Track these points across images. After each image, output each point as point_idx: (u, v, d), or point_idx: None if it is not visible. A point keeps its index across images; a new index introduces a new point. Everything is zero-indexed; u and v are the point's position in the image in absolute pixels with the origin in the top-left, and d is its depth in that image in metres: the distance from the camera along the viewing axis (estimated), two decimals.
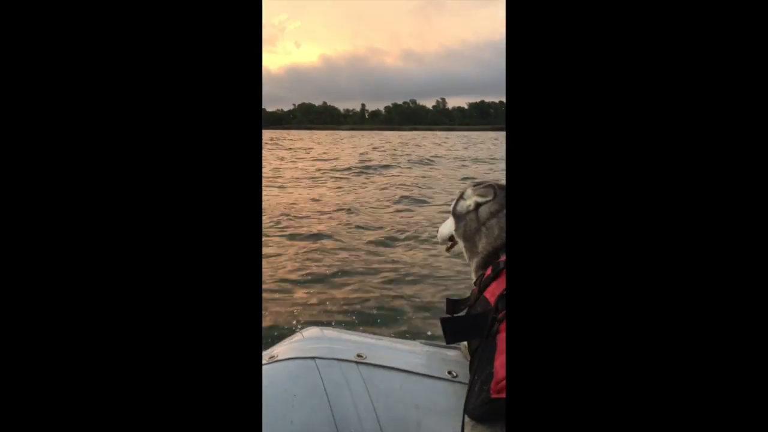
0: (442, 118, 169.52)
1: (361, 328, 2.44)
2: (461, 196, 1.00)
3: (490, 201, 0.93)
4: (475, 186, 0.97)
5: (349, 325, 2.46)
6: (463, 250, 0.98)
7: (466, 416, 0.60)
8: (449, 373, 0.78)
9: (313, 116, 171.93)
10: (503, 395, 0.53)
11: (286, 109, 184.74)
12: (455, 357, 0.84)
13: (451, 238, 1.05)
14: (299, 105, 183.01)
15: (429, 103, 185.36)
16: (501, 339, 0.62)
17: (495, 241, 0.87)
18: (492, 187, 0.94)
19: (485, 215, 0.91)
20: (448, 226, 1.06)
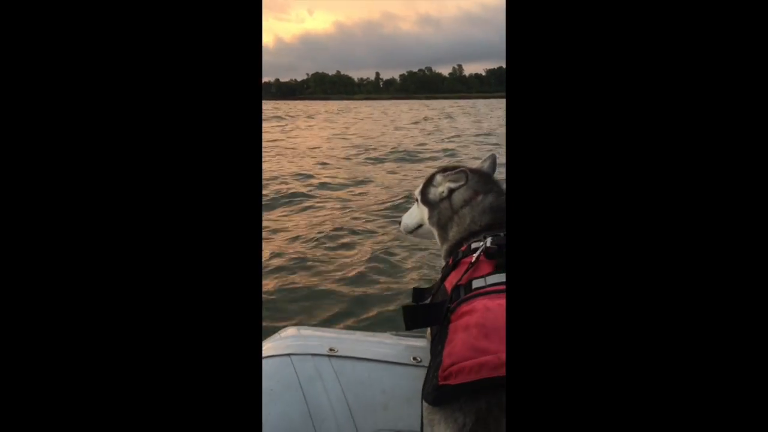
0: (458, 86, 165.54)
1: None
2: (430, 183, 0.99)
3: (462, 186, 0.93)
4: (444, 172, 0.97)
5: None
6: (436, 237, 0.98)
7: (423, 401, 0.67)
8: (414, 359, 0.86)
9: (327, 86, 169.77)
10: (449, 382, 0.60)
11: (299, 79, 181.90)
12: (421, 344, 0.91)
13: (417, 228, 1.06)
14: (313, 75, 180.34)
15: (445, 71, 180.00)
16: (452, 329, 0.68)
17: (465, 230, 0.89)
18: (463, 172, 0.94)
19: (459, 203, 0.92)
20: (414, 216, 1.06)
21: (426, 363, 0.85)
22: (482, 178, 0.96)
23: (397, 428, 0.80)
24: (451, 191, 0.94)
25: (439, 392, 0.62)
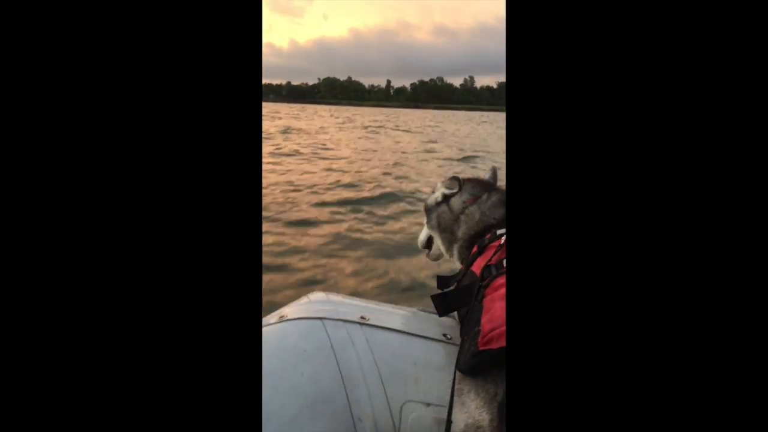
0: (468, 97, 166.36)
1: None
2: (433, 192, 1.09)
3: (456, 192, 1.02)
4: (443, 181, 1.07)
5: None
6: (439, 242, 1.05)
7: (457, 371, 0.67)
8: (444, 335, 0.85)
9: (337, 91, 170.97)
10: (490, 346, 0.60)
11: (311, 83, 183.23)
12: (450, 322, 0.91)
13: (428, 243, 1.13)
14: (324, 79, 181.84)
15: (456, 81, 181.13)
16: (487, 301, 0.69)
17: (479, 224, 0.94)
18: (456, 179, 1.04)
19: (458, 206, 1.00)
20: (424, 230, 1.14)
21: (455, 341, 0.84)
22: (479, 183, 1.05)
23: (427, 401, 0.79)
24: (446, 197, 1.03)
25: (478, 359, 0.62)
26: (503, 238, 0.80)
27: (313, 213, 4.10)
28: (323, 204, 4.43)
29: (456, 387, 0.66)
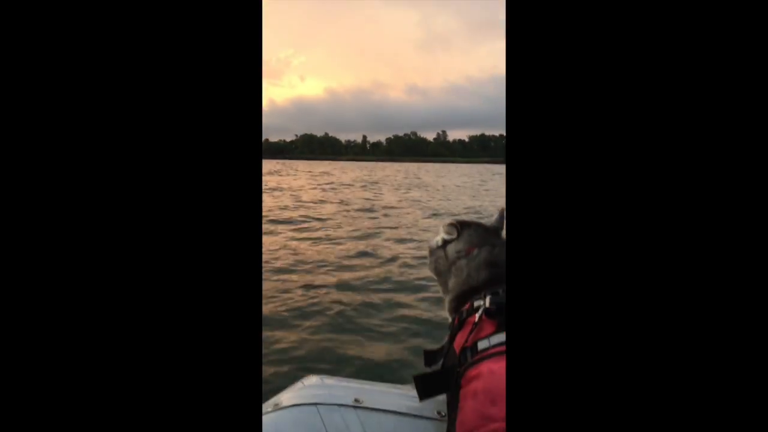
0: (442, 150, 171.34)
1: None
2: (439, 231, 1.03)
3: (454, 239, 0.96)
4: (444, 225, 1.00)
5: None
6: (439, 284, 1.00)
7: None
8: (438, 413, 0.85)
9: (315, 146, 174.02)
10: None
11: (288, 139, 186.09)
12: (444, 398, 0.91)
13: None
14: (301, 136, 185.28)
15: (430, 136, 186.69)
16: (462, 395, 0.69)
17: (464, 283, 0.90)
18: (454, 225, 0.97)
19: (453, 255, 0.95)
20: None
21: None
22: (479, 231, 0.97)
23: None
24: (445, 242, 0.98)
25: None
26: (477, 313, 0.78)
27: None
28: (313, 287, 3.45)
29: None
